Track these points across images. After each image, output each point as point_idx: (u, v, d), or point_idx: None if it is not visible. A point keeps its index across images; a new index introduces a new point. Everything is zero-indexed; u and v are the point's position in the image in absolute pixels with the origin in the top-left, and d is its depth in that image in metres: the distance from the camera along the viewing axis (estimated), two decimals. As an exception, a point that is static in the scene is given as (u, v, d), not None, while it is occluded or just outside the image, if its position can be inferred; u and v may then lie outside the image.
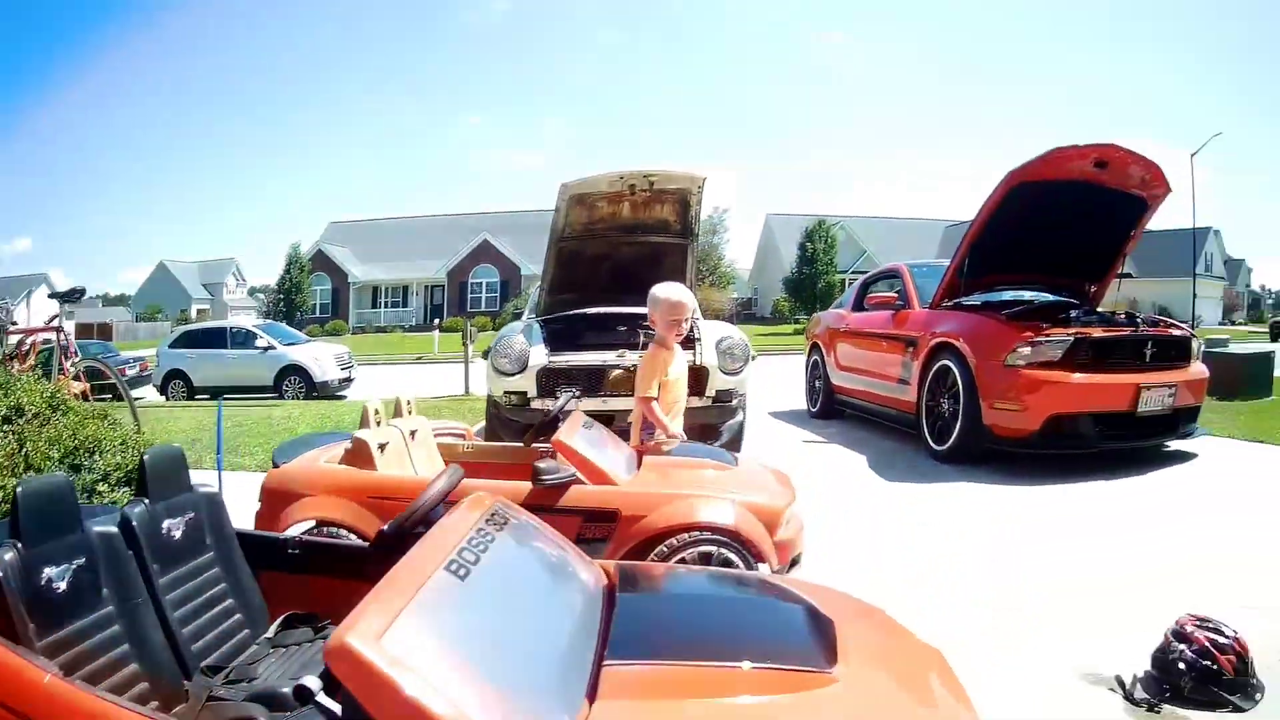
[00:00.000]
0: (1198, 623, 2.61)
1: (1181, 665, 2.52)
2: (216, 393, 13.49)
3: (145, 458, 2.10)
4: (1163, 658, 2.60)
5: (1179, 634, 2.60)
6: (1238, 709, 2.41)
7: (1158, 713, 2.47)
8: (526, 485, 3.13)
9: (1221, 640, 2.52)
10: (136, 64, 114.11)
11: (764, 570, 3.01)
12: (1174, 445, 6.02)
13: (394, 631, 1.30)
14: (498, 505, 1.95)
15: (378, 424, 3.57)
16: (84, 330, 44.99)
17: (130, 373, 14.24)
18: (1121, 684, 2.60)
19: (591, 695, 1.45)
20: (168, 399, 14.01)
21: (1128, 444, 5.65)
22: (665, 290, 3.92)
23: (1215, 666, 2.48)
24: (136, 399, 14.02)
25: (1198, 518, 4.42)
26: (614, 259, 6.56)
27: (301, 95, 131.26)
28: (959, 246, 6.44)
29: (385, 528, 2.06)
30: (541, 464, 3.15)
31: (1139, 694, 2.54)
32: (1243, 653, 2.50)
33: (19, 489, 1.73)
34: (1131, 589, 3.45)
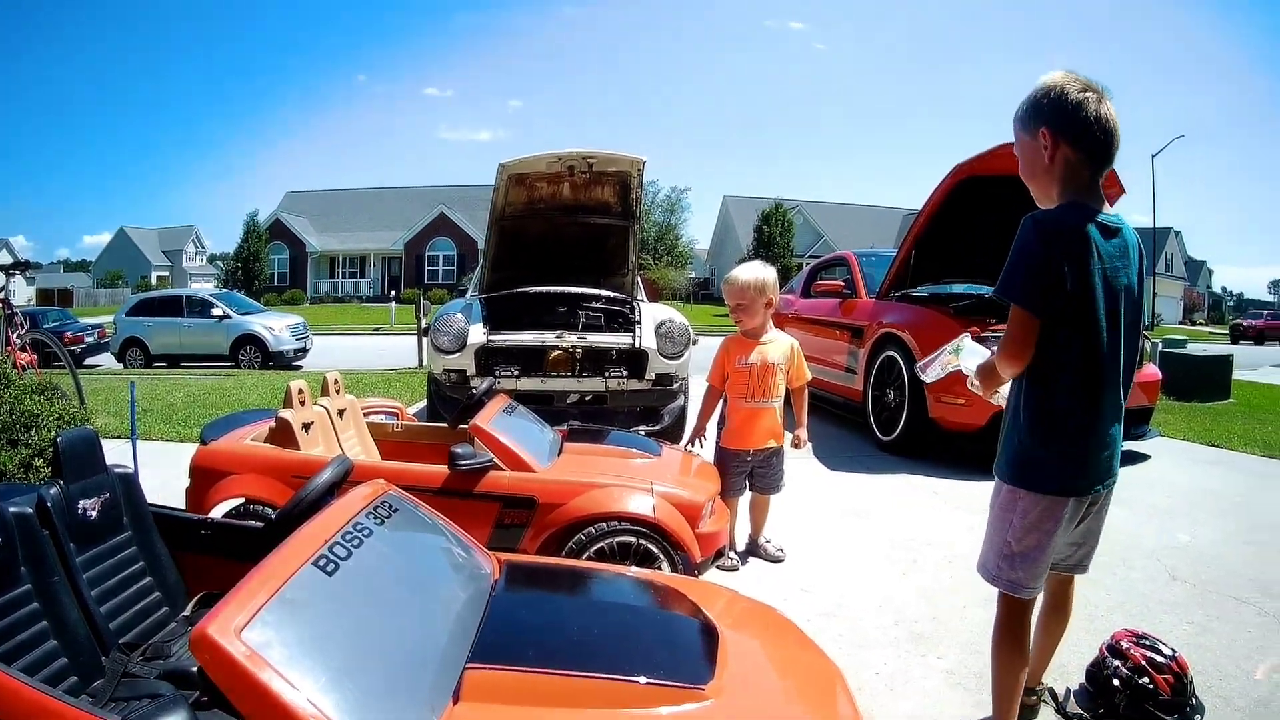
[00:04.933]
0: (1134, 639, 2.48)
1: (1116, 682, 2.39)
2: (174, 360, 14.30)
3: (59, 441, 2.11)
4: (1096, 673, 2.47)
5: (1114, 649, 2.47)
6: (1175, 731, 2.27)
7: (1091, 729, 2.32)
8: (444, 469, 3.13)
9: (1159, 659, 2.39)
10: (96, 31, 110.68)
11: (675, 565, 2.98)
12: (1126, 446, 5.93)
13: (255, 625, 1.34)
14: (387, 495, 1.97)
15: (301, 403, 3.58)
16: (44, 297, 44.16)
17: (88, 340, 15.15)
18: (1054, 696, 2.46)
19: (458, 696, 1.48)
20: (125, 366, 14.10)
21: None
22: (730, 272, 3.73)
23: (1151, 685, 2.34)
24: (95, 366, 14.36)
25: (1144, 522, 4.29)
26: (556, 239, 6.59)
27: (260, 64, 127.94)
28: (905, 238, 6.33)
29: (275, 516, 2.13)
30: (458, 449, 3.13)
31: (1071, 708, 2.40)
32: (1181, 672, 2.37)
33: None
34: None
